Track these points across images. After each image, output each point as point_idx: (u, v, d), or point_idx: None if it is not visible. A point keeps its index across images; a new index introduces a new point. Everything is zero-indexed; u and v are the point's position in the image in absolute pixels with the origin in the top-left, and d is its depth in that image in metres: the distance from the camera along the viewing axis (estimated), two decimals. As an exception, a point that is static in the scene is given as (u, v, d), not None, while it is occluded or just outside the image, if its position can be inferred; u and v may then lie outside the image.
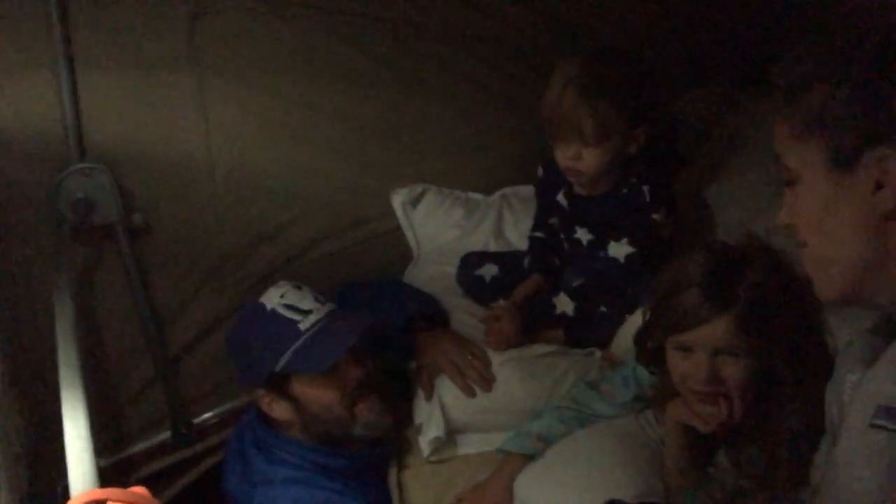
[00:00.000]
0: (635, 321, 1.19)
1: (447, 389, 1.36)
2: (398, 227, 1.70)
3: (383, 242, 1.70)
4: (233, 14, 1.35)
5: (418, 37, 1.48)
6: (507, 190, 1.78)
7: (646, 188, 1.36)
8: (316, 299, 1.28)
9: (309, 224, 1.59)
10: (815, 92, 0.69)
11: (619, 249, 1.37)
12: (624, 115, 1.28)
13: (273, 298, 1.26)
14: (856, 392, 0.72)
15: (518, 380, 1.33)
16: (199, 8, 1.32)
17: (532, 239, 1.56)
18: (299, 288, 1.29)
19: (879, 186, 0.66)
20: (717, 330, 0.96)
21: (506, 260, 1.55)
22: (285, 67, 1.43)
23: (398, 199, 1.69)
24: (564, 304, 1.41)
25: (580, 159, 1.32)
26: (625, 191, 1.38)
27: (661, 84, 1.54)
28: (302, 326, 1.23)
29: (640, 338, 1.12)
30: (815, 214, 0.71)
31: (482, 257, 1.56)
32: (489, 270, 1.52)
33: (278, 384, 1.24)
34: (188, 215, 1.46)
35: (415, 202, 1.71)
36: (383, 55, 1.49)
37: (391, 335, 1.40)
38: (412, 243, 1.72)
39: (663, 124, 1.56)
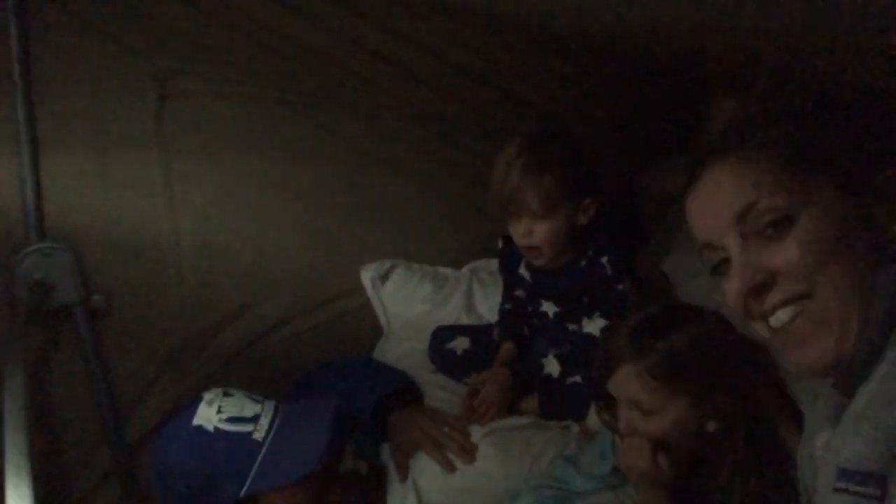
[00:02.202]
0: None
1: (423, 470, 1.30)
2: (367, 304, 1.68)
3: (352, 320, 1.68)
4: (200, 96, 1.37)
5: (382, 116, 1.51)
6: (477, 263, 1.79)
7: (604, 259, 1.38)
8: (254, 401, 1.16)
9: (274, 304, 1.56)
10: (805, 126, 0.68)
11: (595, 325, 1.38)
12: (568, 187, 1.32)
13: (210, 416, 1.12)
14: (825, 453, 0.70)
15: (495, 458, 1.29)
16: (166, 90, 1.34)
17: (501, 311, 1.56)
18: (230, 395, 1.17)
19: (887, 213, 0.65)
20: (624, 377, 1.00)
21: (477, 333, 1.53)
22: (252, 148, 1.45)
23: (367, 275, 1.68)
24: (552, 365, 1.38)
25: (532, 234, 1.35)
26: (583, 263, 1.40)
27: (619, 157, 1.59)
28: (257, 436, 1.11)
29: (596, 394, 1.15)
30: (827, 245, 0.65)
31: (453, 331, 1.54)
32: (461, 344, 1.50)
33: None
34: (151, 297, 1.43)
35: (384, 278, 1.70)
36: (349, 135, 1.52)
37: (362, 417, 1.35)
38: (382, 320, 1.70)
39: (619, 197, 1.59)
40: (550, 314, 1.46)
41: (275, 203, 1.51)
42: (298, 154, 1.49)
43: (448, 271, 1.78)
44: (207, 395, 1.16)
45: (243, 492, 1.08)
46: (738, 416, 0.99)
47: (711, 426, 1.00)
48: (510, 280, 1.55)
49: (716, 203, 0.71)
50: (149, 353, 1.43)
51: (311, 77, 1.38)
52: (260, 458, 1.09)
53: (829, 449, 0.68)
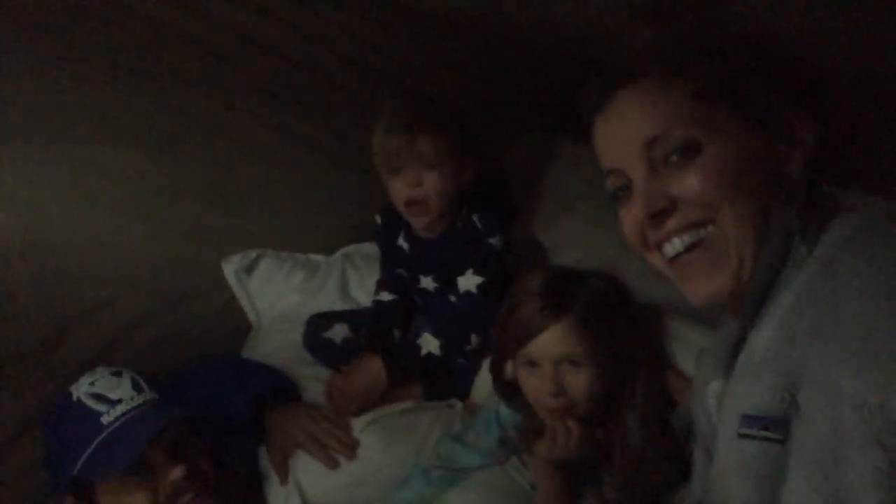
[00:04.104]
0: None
1: (303, 469, 1.23)
2: (233, 299, 1.57)
3: (217, 318, 1.56)
4: (21, 76, 1.19)
5: (235, 94, 1.38)
6: (350, 248, 1.72)
7: (475, 216, 1.38)
8: (135, 387, 1.12)
9: (126, 305, 1.41)
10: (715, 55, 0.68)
11: (469, 281, 1.35)
12: (456, 142, 1.32)
13: (82, 386, 1.11)
14: (722, 402, 0.71)
15: (378, 446, 1.24)
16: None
17: (374, 304, 1.50)
18: (119, 374, 1.14)
19: (790, 152, 0.66)
20: (554, 337, 1.00)
21: (356, 318, 1.47)
22: (84, 131, 1.27)
23: (230, 268, 1.57)
24: (429, 343, 1.34)
25: (421, 185, 1.32)
26: (459, 225, 1.39)
27: (485, 127, 1.57)
28: (105, 420, 1.07)
29: (494, 365, 1.14)
30: (731, 177, 0.66)
31: (329, 318, 1.47)
32: (339, 332, 1.43)
33: (85, 490, 1.06)
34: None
35: (249, 269, 1.60)
36: (201, 115, 1.38)
37: (237, 420, 1.25)
38: (250, 314, 1.59)
39: (490, 164, 1.59)
40: (431, 289, 1.44)
41: (114, 192, 1.35)
42: (143, 137, 1.33)
43: (320, 258, 1.70)
44: (100, 368, 1.16)
45: (75, 471, 1.05)
46: (641, 362, 1.03)
47: (623, 373, 1.02)
48: (390, 254, 1.50)
49: (625, 131, 0.71)
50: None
51: (152, 52, 1.23)
52: (96, 442, 1.06)
53: (728, 396, 0.68)
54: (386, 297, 1.48)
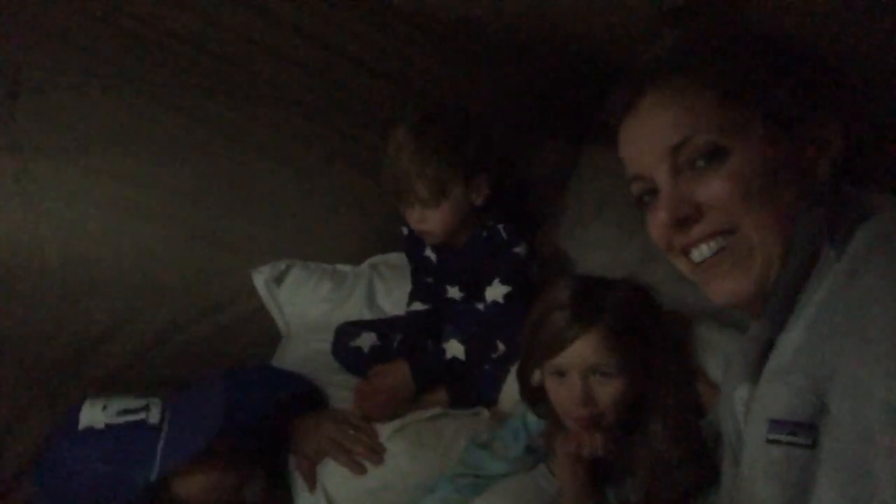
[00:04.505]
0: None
1: (331, 476, 1.24)
2: (261, 308, 1.59)
3: (246, 326, 1.58)
4: (54, 91, 1.23)
5: (259, 103, 1.41)
6: (376, 258, 1.73)
7: (500, 227, 1.38)
8: (137, 398, 1.12)
9: (157, 315, 1.44)
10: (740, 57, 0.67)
11: (496, 291, 1.35)
12: (456, 171, 1.31)
13: (97, 416, 1.08)
14: (749, 407, 0.70)
15: (406, 453, 1.24)
16: (16, 86, 1.20)
17: (407, 314, 1.51)
18: (110, 397, 1.12)
19: (818, 156, 0.66)
20: (585, 348, 0.99)
21: (384, 327, 1.48)
22: (116, 144, 1.31)
23: (261, 278, 1.59)
24: (455, 349, 1.34)
25: (426, 221, 1.34)
26: (484, 234, 1.39)
27: (506, 135, 1.57)
28: (153, 421, 1.08)
29: (521, 372, 1.12)
30: (758, 183, 0.65)
31: (358, 327, 1.48)
32: (367, 340, 1.44)
33: (152, 494, 1.07)
34: (14, 319, 1.28)
35: (279, 279, 1.62)
36: (226, 124, 1.41)
37: (263, 426, 1.27)
38: (279, 323, 1.61)
39: (510, 172, 1.59)
40: (457, 298, 1.44)
41: (145, 203, 1.38)
42: (172, 148, 1.37)
43: (347, 268, 1.71)
44: (87, 401, 1.11)
45: (154, 475, 1.03)
46: (670, 370, 1.02)
47: (652, 381, 1.01)
48: (418, 264, 1.51)
49: (650, 136, 0.70)
50: (15, 382, 1.28)
51: (177, 64, 1.27)
52: (162, 439, 1.06)
53: (756, 401, 0.67)
54: (419, 306, 1.50)
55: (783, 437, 0.60)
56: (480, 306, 1.38)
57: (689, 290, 1.20)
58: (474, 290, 1.41)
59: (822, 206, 0.65)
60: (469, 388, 1.35)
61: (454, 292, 1.45)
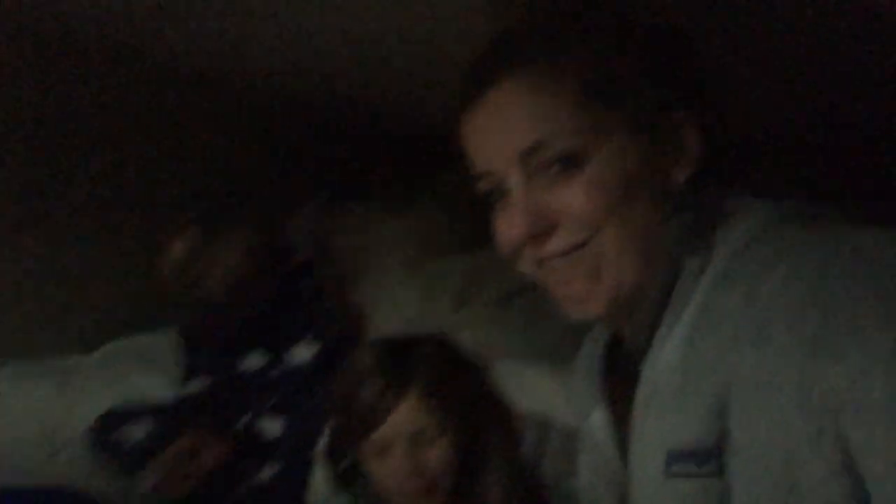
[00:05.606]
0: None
1: None
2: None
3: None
4: None
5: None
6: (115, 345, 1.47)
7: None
8: None
9: None
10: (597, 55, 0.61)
11: (306, 351, 1.29)
12: (262, 254, 1.33)
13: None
14: (631, 437, 0.64)
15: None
16: None
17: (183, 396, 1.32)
18: None
19: (676, 162, 0.61)
20: (405, 415, 0.93)
21: (156, 411, 1.24)
22: None
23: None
24: (270, 424, 1.21)
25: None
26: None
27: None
28: None
29: (332, 456, 1.01)
30: (616, 192, 0.60)
31: (125, 415, 1.22)
32: (143, 427, 1.19)
33: None
34: None
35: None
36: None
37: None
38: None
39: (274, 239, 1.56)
40: (259, 366, 1.32)
41: None
42: None
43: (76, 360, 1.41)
44: None
45: None
46: (491, 416, 1.00)
47: (477, 432, 0.97)
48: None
49: (501, 135, 0.62)
50: None
51: None
52: None
53: (638, 431, 0.62)
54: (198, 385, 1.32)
55: (690, 469, 0.55)
56: (282, 369, 1.28)
57: (486, 331, 1.31)
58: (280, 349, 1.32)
59: (683, 213, 0.61)
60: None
61: (256, 358, 1.32)
